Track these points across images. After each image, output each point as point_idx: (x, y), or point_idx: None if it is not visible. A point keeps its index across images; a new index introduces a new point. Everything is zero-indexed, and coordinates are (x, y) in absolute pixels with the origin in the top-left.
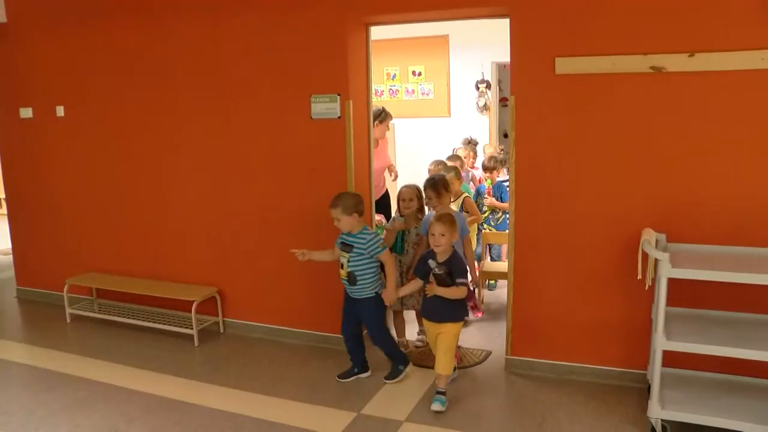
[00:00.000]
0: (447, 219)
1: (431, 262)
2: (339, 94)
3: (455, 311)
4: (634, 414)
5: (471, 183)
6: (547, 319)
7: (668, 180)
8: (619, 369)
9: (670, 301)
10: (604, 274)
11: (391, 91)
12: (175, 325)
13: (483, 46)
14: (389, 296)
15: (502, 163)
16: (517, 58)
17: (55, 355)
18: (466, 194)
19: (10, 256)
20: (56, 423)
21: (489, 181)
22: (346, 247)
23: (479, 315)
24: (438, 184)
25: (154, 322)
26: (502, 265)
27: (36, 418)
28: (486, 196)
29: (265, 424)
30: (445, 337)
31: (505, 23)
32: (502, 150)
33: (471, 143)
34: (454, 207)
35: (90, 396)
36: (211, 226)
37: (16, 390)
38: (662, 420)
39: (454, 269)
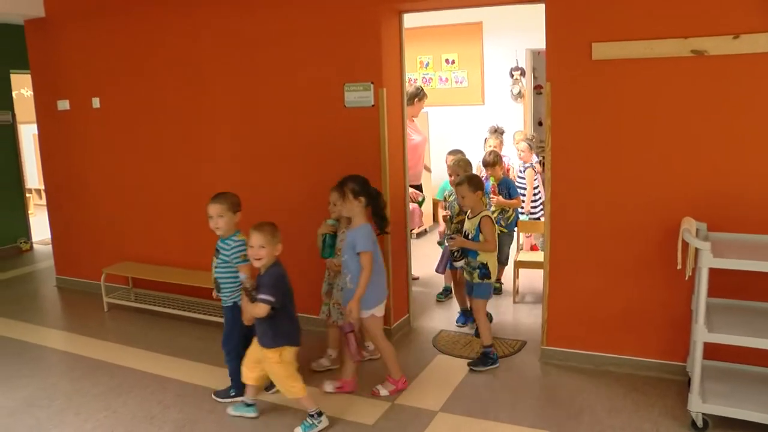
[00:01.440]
0: (267, 229)
1: (240, 274)
2: (372, 83)
3: (270, 335)
4: (674, 407)
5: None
6: (584, 309)
7: (709, 167)
8: (657, 361)
9: (711, 292)
10: (642, 263)
11: (424, 80)
12: (209, 314)
13: (517, 32)
14: (243, 313)
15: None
16: (553, 43)
17: (92, 342)
18: (486, 214)
19: (50, 246)
20: (94, 408)
21: (492, 178)
22: (216, 252)
23: (359, 358)
24: (344, 187)
25: (188, 311)
26: (538, 255)
27: (75, 404)
28: (492, 195)
29: (300, 413)
30: (269, 369)
31: (539, 9)
32: (533, 137)
33: (497, 132)
34: (470, 225)
35: (126, 383)
36: (244, 215)
37: (57, 376)
38: (703, 414)
39: (262, 284)
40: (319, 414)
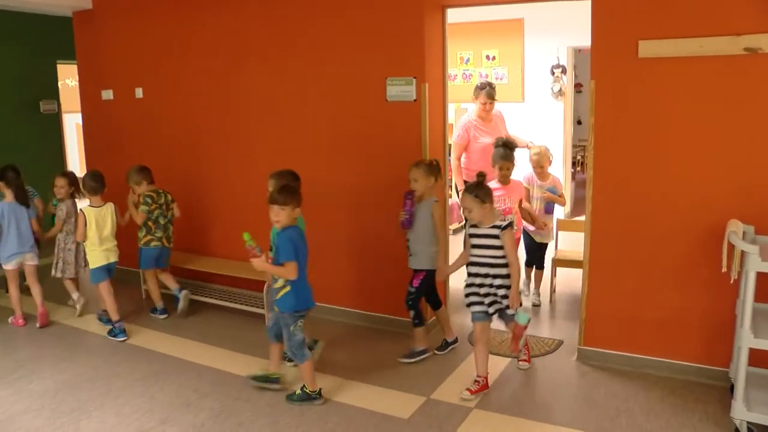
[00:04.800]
0: None
1: None
2: (415, 77)
3: None
4: (715, 413)
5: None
6: (623, 309)
7: (758, 169)
8: (698, 365)
9: (757, 297)
10: (685, 265)
11: (464, 76)
12: (247, 304)
13: (559, 30)
14: None
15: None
16: (598, 40)
17: (131, 329)
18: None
19: None
20: (133, 393)
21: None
22: None
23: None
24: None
25: (226, 301)
26: (577, 253)
27: (115, 388)
28: None
29: (334, 405)
30: None
31: (581, 6)
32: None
33: (507, 147)
34: None
35: (163, 370)
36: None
37: (98, 361)
38: (748, 422)
39: None
40: None
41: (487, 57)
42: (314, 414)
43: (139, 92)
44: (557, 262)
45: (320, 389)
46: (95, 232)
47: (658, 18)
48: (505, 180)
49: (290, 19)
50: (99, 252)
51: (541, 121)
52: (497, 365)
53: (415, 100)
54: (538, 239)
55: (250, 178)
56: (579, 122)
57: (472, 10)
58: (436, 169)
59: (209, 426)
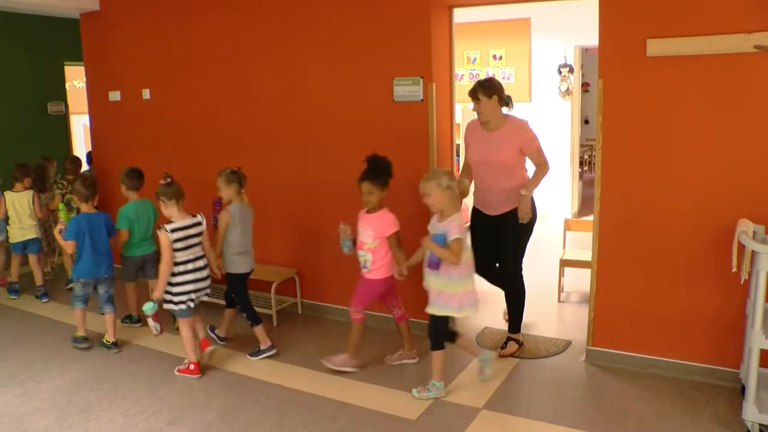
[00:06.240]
0: None
1: None
2: (422, 77)
3: None
4: (725, 414)
5: None
6: (632, 310)
7: None
8: (707, 366)
9: None
10: (694, 265)
11: (471, 75)
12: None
13: (566, 29)
14: None
15: None
16: (606, 39)
17: (137, 330)
18: None
19: None
20: (141, 394)
21: None
22: None
23: None
24: None
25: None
26: (585, 253)
27: (122, 389)
28: None
29: (341, 406)
30: None
31: (588, 5)
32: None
33: (374, 163)
34: None
35: (171, 370)
36: (291, 209)
37: (106, 361)
38: (760, 424)
39: None
40: None
41: (494, 57)
42: (322, 415)
43: (146, 93)
44: (565, 263)
45: (115, 341)
46: (14, 212)
47: (666, 16)
48: (368, 207)
49: (297, 20)
50: (17, 230)
51: (549, 121)
52: (505, 366)
53: (422, 100)
54: (435, 311)
55: (257, 178)
56: (586, 121)
57: (478, 9)
58: (236, 177)
59: (217, 426)
